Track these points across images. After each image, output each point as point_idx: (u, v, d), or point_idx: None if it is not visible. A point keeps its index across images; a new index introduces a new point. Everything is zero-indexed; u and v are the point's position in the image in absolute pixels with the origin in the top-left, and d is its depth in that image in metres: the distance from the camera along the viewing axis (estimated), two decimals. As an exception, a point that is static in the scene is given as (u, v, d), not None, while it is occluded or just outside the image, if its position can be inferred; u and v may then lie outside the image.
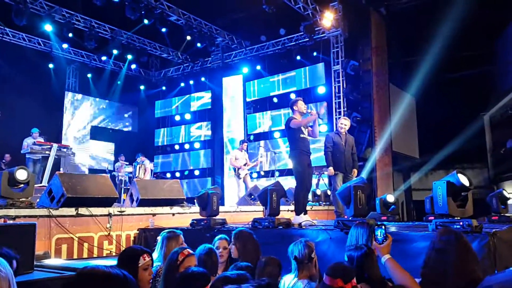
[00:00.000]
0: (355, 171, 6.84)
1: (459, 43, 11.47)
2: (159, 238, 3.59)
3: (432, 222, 3.73)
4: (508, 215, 5.65)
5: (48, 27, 12.48)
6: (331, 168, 6.61)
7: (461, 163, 12.27)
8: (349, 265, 2.57)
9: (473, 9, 9.91)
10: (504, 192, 5.90)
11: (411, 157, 13.71)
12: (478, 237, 3.38)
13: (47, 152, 9.47)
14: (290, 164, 6.01)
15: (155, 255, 3.52)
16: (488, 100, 15.14)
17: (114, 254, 5.28)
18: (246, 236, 3.65)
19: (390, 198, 5.67)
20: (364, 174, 8.45)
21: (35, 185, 7.85)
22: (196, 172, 16.15)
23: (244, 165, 10.28)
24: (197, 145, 16.33)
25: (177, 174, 16.12)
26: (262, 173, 14.20)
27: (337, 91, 12.66)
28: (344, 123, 6.94)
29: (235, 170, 10.39)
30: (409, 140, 13.65)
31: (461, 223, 3.54)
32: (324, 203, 10.14)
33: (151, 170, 12.89)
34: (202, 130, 16.23)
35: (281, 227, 4.87)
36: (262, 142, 14.24)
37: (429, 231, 3.71)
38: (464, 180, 3.60)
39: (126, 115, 17.77)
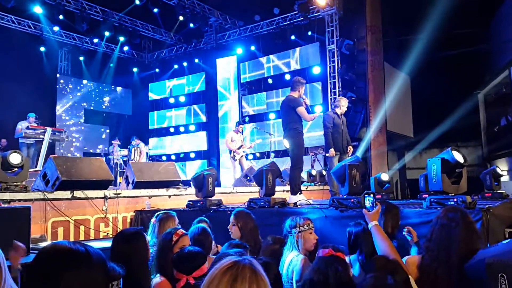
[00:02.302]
0: (351, 148, 6.91)
1: (454, 21, 11.39)
2: (153, 220, 3.58)
3: (427, 199, 3.75)
4: (501, 191, 5.71)
5: (37, 9, 12.25)
6: (332, 150, 6.62)
7: (455, 142, 12.35)
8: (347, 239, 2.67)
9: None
10: (498, 169, 5.95)
11: (405, 136, 13.76)
12: (471, 213, 3.40)
13: (41, 136, 9.41)
14: (285, 144, 5.99)
15: (149, 238, 3.53)
16: (482, 78, 15.14)
17: (111, 236, 5.30)
18: (246, 215, 3.66)
19: (385, 176, 5.69)
20: (359, 154, 8.48)
21: (30, 170, 7.85)
22: (192, 155, 16.15)
23: (240, 147, 10.27)
24: (192, 127, 16.28)
25: (173, 157, 16.11)
26: (258, 154, 14.22)
27: (332, 71, 12.59)
28: (346, 105, 7.01)
29: (230, 152, 10.38)
30: (403, 120, 13.68)
31: (455, 200, 3.57)
32: (319, 183, 10.19)
33: (146, 153, 12.87)
34: (197, 112, 16.15)
35: (277, 206, 4.90)
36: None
37: (424, 207, 3.74)
38: (458, 156, 3.62)
39: (119, 98, 17.62)
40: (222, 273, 1.24)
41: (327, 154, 6.62)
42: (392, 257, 2.32)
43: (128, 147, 12.07)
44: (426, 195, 3.99)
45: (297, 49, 13.58)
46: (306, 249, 3.04)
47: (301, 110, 5.65)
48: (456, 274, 2.16)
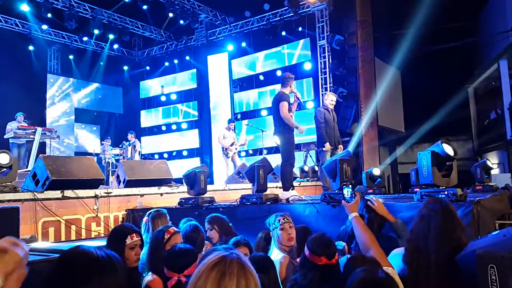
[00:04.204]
0: (341, 146, 6.93)
1: (444, 15, 11.46)
2: (145, 219, 3.56)
3: (417, 192, 3.77)
4: (491, 184, 5.76)
5: (24, 7, 12.08)
6: (328, 144, 6.61)
7: (446, 135, 12.44)
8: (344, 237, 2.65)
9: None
10: (488, 162, 6.00)
11: (396, 131, 13.83)
12: (462, 205, 3.43)
13: (31, 136, 9.29)
14: (276, 141, 5.98)
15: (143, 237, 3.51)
16: (472, 72, 15.24)
17: (102, 235, 5.26)
18: (220, 219, 3.73)
19: (376, 171, 5.72)
20: (350, 149, 8.50)
21: (21, 170, 7.77)
22: (184, 153, 16.09)
23: (232, 144, 10.24)
24: (184, 125, 16.22)
25: (165, 155, 16.04)
26: (251, 151, 14.20)
27: (323, 66, 12.60)
28: (334, 100, 7.00)
29: (223, 149, 10.35)
30: (394, 114, 13.74)
31: (446, 192, 3.58)
32: (311, 179, 10.20)
33: (139, 152, 12.77)
34: (188, 110, 16.09)
35: (269, 202, 4.89)
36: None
37: (414, 201, 3.75)
38: (448, 149, 3.63)
39: (110, 96, 17.48)
40: (209, 269, 1.22)
41: (323, 149, 6.59)
42: (371, 250, 2.31)
43: (123, 143, 11.90)
44: (418, 189, 4.00)
45: (288, 45, 13.57)
46: (286, 245, 3.02)
47: (282, 104, 5.64)
48: (435, 264, 2.16)
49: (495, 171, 13.48)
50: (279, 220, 3.05)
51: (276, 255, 2.95)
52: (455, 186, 3.75)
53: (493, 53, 13.85)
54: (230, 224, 3.82)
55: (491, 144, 14.48)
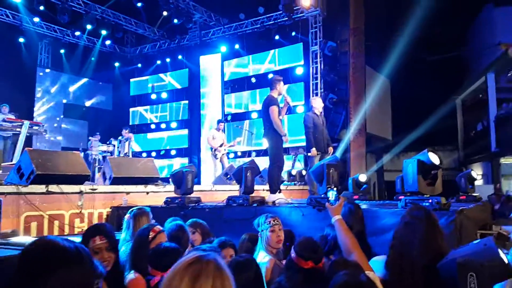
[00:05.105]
0: (331, 148, 6.95)
1: (435, 27, 11.63)
2: (127, 217, 3.52)
3: (402, 199, 3.81)
4: (475, 194, 5.84)
5: (16, -2, 11.93)
6: (314, 149, 6.63)
7: (432, 145, 12.59)
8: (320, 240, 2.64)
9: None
10: (472, 173, 6.08)
11: (384, 139, 13.98)
12: (446, 214, 3.48)
13: (17, 129, 9.16)
14: (265, 144, 6.00)
15: (123, 234, 3.47)
16: (460, 84, 15.47)
17: (86, 232, 5.20)
18: (199, 223, 3.74)
19: (362, 177, 5.76)
20: (338, 154, 8.56)
21: (6, 163, 7.66)
22: (173, 152, 16.02)
23: (221, 145, 10.23)
24: (173, 124, 16.16)
25: (153, 154, 15.96)
26: (239, 153, 14.21)
27: (314, 72, 12.67)
28: (321, 105, 7.03)
29: (211, 150, 10.34)
30: (382, 122, 13.89)
31: (430, 201, 3.63)
32: (299, 183, 10.24)
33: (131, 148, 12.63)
34: (179, 109, 16.03)
35: (255, 204, 4.90)
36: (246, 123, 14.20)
37: (399, 208, 3.79)
38: (434, 158, 3.68)
39: (100, 93, 17.33)
40: (184, 269, 1.20)
41: (309, 154, 6.62)
42: (354, 255, 2.33)
43: (111, 140, 11.75)
44: (402, 197, 4.05)
45: (281, 49, 13.62)
46: (274, 247, 3.03)
47: (272, 109, 5.65)
48: (418, 270, 2.19)
49: (479, 182, 13.68)
50: (269, 222, 3.06)
51: (262, 257, 2.95)
52: (439, 195, 3.80)
53: (481, 66, 14.09)
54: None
55: (476, 155, 14.71)
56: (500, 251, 1.95)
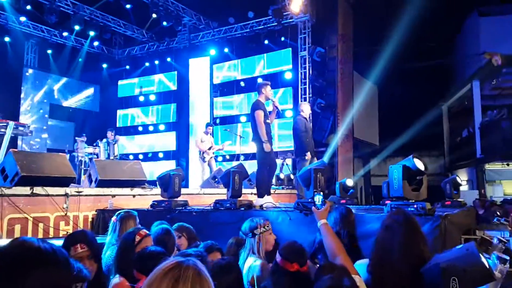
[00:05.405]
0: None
1: (422, 34, 11.80)
2: (114, 219, 3.50)
3: (388, 204, 3.85)
4: (460, 200, 5.92)
5: (2, -3, 11.77)
6: (309, 153, 6.65)
7: (419, 151, 12.78)
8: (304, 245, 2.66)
9: (435, 2, 10.20)
10: (457, 179, 6.17)
11: (371, 144, 14.10)
12: (430, 220, 3.52)
13: (2, 130, 9.01)
14: (253, 148, 6.00)
15: (109, 237, 3.44)
16: (447, 91, 15.71)
17: (71, 235, 5.14)
18: (186, 227, 3.74)
19: (349, 182, 5.81)
20: (325, 159, 8.60)
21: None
22: (160, 155, 15.93)
23: (209, 148, 10.21)
24: (161, 127, 16.07)
25: (140, 156, 15.83)
26: (228, 156, 14.19)
27: (303, 77, 12.75)
28: (309, 111, 7.09)
29: (200, 153, 10.31)
30: (370, 128, 14.02)
31: (415, 206, 3.67)
32: (287, 187, 10.27)
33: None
34: (167, 112, 15.96)
35: (242, 208, 4.89)
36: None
37: (384, 213, 3.83)
38: (419, 164, 3.73)
39: (87, 94, 17.16)
40: (163, 275, 1.18)
41: (305, 157, 6.61)
42: (339, 258, 2.35)
43: (97, 142, 11.63)
44: (388, 201, 4.09)
45: (270, 53, 13.68)
46: (265, 249, 3.04)
47: (257, 113, 5.67)
48: (399, 274, 2.21)
49: (464, 187, 13.88)
50: (268, 225, 3.10)
51: (253, 261, 2.95)
52: (424, 200, 3.85)
53: (466, 74, 14.34)
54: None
55: (461, 161, 14.92)
56: (481, 256, 1.99)
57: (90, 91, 17.26)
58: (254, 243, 3.04)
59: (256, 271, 2.82)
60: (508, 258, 2.60)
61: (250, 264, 2.91)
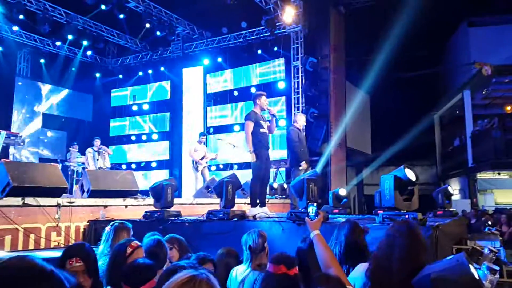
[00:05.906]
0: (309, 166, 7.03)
1: (413, 44, 11.95)
2: (107, 229, 3.48)
3: (380, 215, 3.87)
4: (451, 209, 5.97)
5: (-6, 6, 11.75)
6: (304, 163, 6.65)
7: (411, 160, 12.89)
8: (295, 255, 2.66)
9: (426, 12, 10.35)
10: (449, 188, 6.22)
11: (364, 153, 14.17)
12: (422, 230, 3.54)
13: (-7, 139, 8.96)
14: (248, 157, 6.00)
15: (101, 247, 3.42)
16: (438, 100, 15.86)
17: (62, 245, 5.09)
18: (176, 238, 3.72)
19: (342, 191, 5.84)
20: (318, 168, 8.63)
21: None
22: (154, 164, 15.86)
23: (202, 158, 10.19)
24: (155, 136, 16.03)
25: (133, 166, 15.76)
26: (221, 166, 14.17)
27: (296, 86, 12.82)
28: (304, 122, 7.13)
29: (193, 163, 10.28)
30: (362, 137, 14.09)
31: (407, 216, 3.69)
32: (280, 196, 10.26)
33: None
34: (160, 121, 15.94)
35: (236, 218, 4.88)
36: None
37: (376, 223, 3.84)
38: (410, 174, 3.76)
39: (80, 103, 17.09)
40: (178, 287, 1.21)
41: (300, 168, 6.61)
42: (332, 270, 2.36)
43: (98, 150, 11.50)
44: (381, 211, 4.11)
45: (263, 63, 13.76)
46: (259, 263, 3.04)
47: (247, 123, 5.72)
48: (397, 284, 2.22)
49: (456, 196, 13.97)
50: (263, 237, 3.10)
51: (247, 273, 2.95)
52: (416, 210, 3.87)
53: (457, 83, 14.50)
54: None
55: (453, 171, 15.03)
56: (471, 266, 2.00)
57: (83, 100, 17.19)
58: (250, 257, 3.05)
59: (251, 281, 2.83)
60: (498, 268, 2.63)
61: (247, 273, 2.93)
